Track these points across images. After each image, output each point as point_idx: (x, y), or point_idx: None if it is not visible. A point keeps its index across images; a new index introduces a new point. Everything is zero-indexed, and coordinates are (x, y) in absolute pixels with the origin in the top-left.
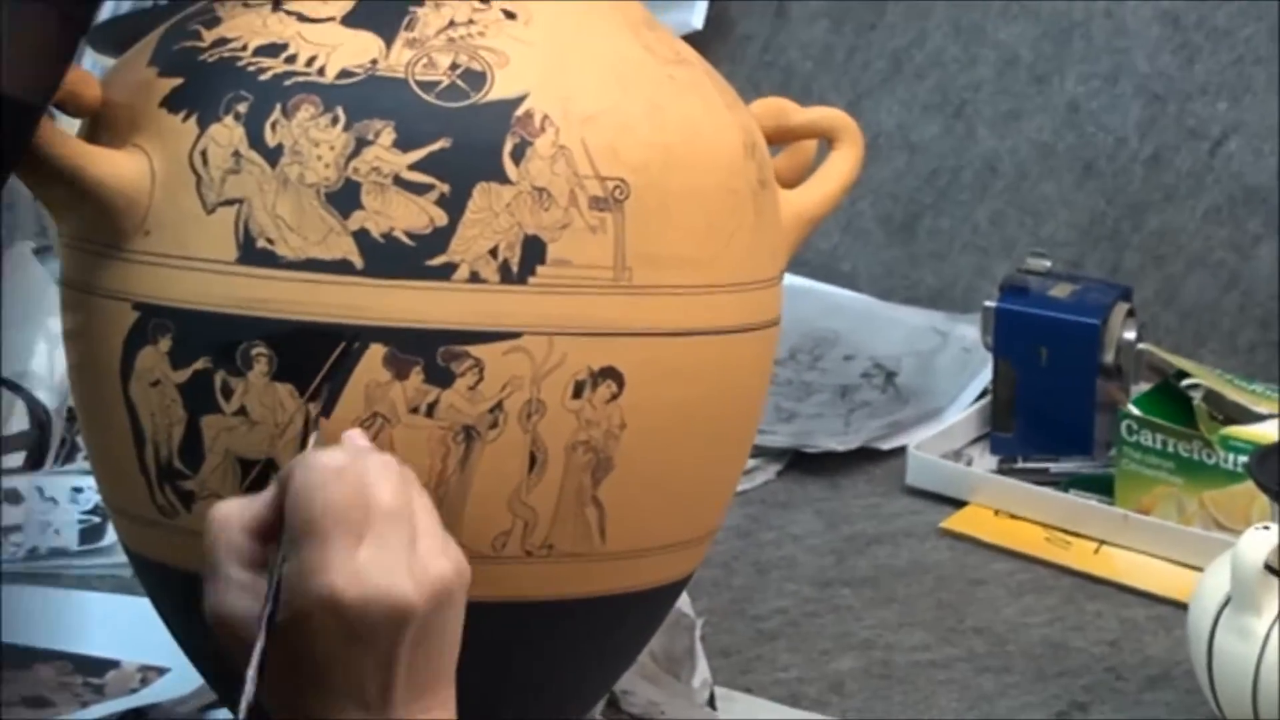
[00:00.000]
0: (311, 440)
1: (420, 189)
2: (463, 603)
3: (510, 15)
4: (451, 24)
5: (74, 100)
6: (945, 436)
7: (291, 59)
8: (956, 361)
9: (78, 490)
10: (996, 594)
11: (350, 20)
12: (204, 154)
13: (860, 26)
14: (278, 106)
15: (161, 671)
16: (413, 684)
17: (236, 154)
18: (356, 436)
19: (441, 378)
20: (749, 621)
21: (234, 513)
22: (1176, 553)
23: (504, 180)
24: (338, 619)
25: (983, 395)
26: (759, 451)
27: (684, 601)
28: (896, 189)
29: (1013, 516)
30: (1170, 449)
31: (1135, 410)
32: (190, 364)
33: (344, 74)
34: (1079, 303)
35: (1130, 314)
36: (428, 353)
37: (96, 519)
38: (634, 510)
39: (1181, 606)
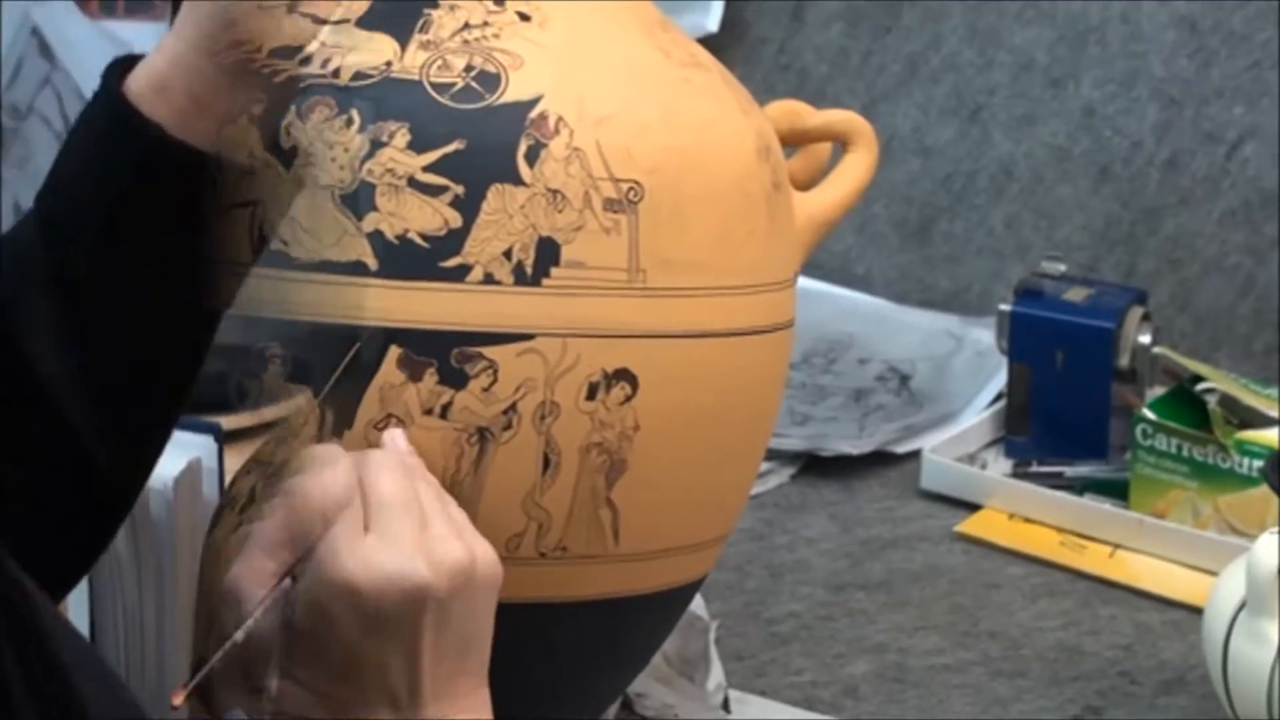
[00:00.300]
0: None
1: (434, 191)
2: (490, 594)
3: (525, 17)
4: (466, 26)
5: None
6: (960, 440)
7: (306, 60)
8: (971, 365)
9: None
10: (1011, 598)
11: (365, 22)
12: (218, 156)
13: (876, 30)
14: (292, 108)
15: None
16: (440, 679)
17: (251, 155)
18: (398, 437)
19: (455, 379)
20: (763, 625)
21: (250, 554)
22: (1191, 557)
23: (518, 182)
24: (355, 608)
25: (997, 399)
26: (773, 455)
27: (698, 604)
28: (911, 192)
29: (1027, 520)
30: (1185, 453)
31: (1150, 414)
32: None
33: (359, 75)
34: (1094, 306)
35: (1145, 318)
36: (441, 354)
37: None
38: (648, 512)
39: (1197, 611)
